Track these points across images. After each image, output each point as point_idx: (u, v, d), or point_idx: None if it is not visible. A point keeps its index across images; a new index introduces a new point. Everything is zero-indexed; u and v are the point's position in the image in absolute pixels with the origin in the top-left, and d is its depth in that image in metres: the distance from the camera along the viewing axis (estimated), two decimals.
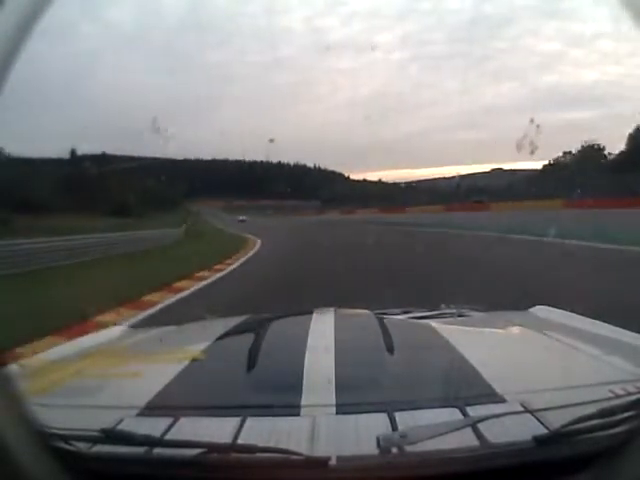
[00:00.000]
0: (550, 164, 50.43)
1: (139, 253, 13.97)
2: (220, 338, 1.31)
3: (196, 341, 1.34)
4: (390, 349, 1.07)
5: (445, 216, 33.01)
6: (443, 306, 1.73)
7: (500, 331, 1.50)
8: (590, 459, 0.60)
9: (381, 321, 1.32)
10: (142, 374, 1.08)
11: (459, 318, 1.56)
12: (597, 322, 1.40)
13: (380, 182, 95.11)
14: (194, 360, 1.09)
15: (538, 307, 1.71)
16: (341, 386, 0.86)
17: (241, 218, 56.73)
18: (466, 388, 0.87)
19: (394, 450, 0.64)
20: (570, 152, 50.32)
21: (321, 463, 0.61)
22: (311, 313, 1.45)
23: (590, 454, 0.60)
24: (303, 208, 76.18)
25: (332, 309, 1.54)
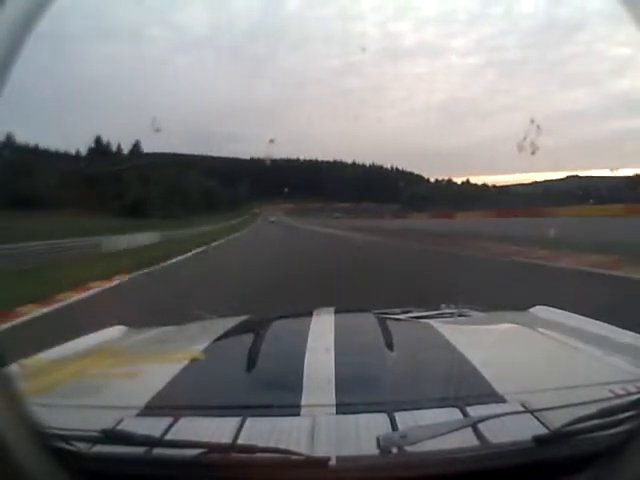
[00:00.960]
0: None
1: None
2: (220, 338, 1.31)
3: (196, 341, 1.34)
4: (390, 349, 1.07)
5: None
6: (443, 306, 1.73)
7: (500, 331, 1.50)
8: (590, 459, 0.60)
9: (381, 321, 1.32)
10: (142, 374, 1.08)
11: (459, 318, 1.56)
12: (597, 322, 1.40)
13: (467, 183, 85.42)
14: (194, 360, 1.09)
15: (538, 307, 1.70)
16: (341, 386, 0.86)
17: (271, 219, 55.61)
18: (466, 388, 0.87)
19: (394, 450, 0.64)
20: None
21: (321, 463, 0.61)
22: (311, 313, 1.45)
23: (590, 454, 0.60)
24: (380, 211, 67.52)
25: (332, 309, 1.54)
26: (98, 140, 48.85)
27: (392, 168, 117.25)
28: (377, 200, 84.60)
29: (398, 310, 1.60)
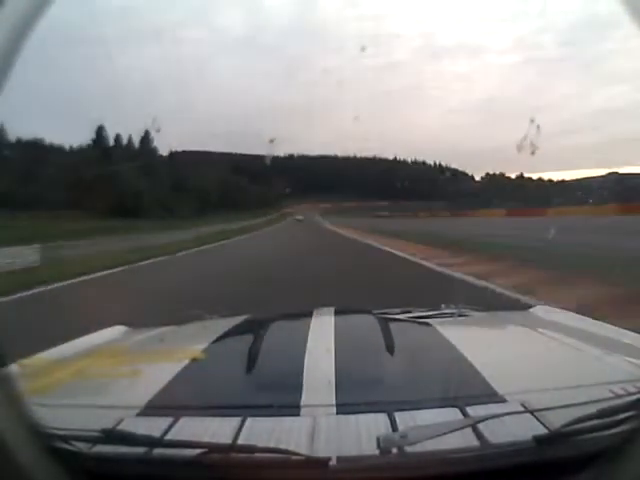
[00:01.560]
0: None
1: None
2: (220, 338, 1.31)
3: (196, 341, 1.34)
4: (390, 349, 1.07)
5: None
6: (443, 306, 1.73)
7: (500, 331, 1.50)
8: (590, 459, 0.60)
9: (381, 321, 1.32)
10: (142, 374, 1.08)
11: (459, 318, 1.56)
12: (597, 322, 1.40)
13: (521, 178, 75.49)
14: (194, 360, 1.09)
15: (538, 307, 1.71)
16: (341, 386, 0.86)
17: (298, 218, 53.58)
18: (466, 388, 0.87)
19: (394, 450, 0.64)
20: None
21: (321, 463, 0.61)
22: (311, 313, 1.45)
23: (590, 454, 0.60)
24: (425, 209, 58.32)
25: (332, 309, 1.54)
26: (99, 131, 45.85)
27: (435, 164, 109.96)
28: (421, 197, 77.15)
29: (398, 310, 1.60)
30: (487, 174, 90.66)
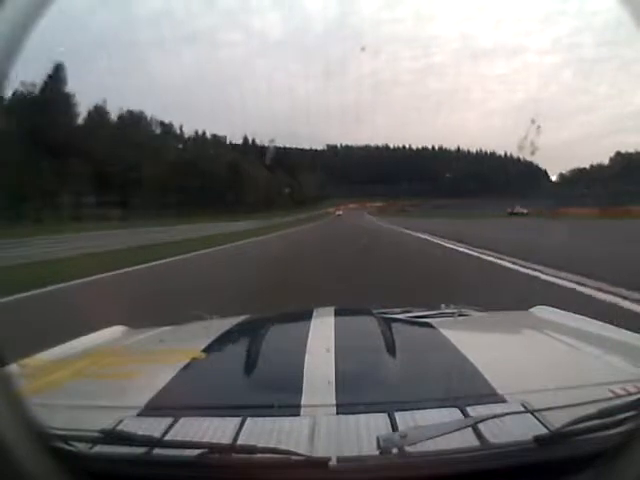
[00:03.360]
0: None
1: None
2: (220, 338, 1.31)
3: (196, 341, 1.34)
4: (390, 349, 1.07)
5: None
6: (443, 306, 1.73)
7: (500, 331, 1.50)
8: (590, 459, 0.60)
9: (381, 321, 1.32)
10: (142, 374, 1.08)
11: (460, 318, 1.56)
12: (597, 322, 1.40)
13: None
14: (194, 360, 1.09)
15: (538, 307, 1.71)
16: (341, 386, 0.86)
17: (338, 213, 52.48)
18: (467, 388, 0.87)
19: (394, 450, 0.64)
20: None
21: (321, 463, 0.61)
22: (311, 312, 1.45)
23: (590, 454, 0.60)
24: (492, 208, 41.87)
25: (332, 309, 1.54)
26: (57, 71, 34.80)
27: (506, 155, 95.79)
28: (491, 195, 64.44)
29: (398, 310, 1.60)
30: (618, 153, 71.19)
